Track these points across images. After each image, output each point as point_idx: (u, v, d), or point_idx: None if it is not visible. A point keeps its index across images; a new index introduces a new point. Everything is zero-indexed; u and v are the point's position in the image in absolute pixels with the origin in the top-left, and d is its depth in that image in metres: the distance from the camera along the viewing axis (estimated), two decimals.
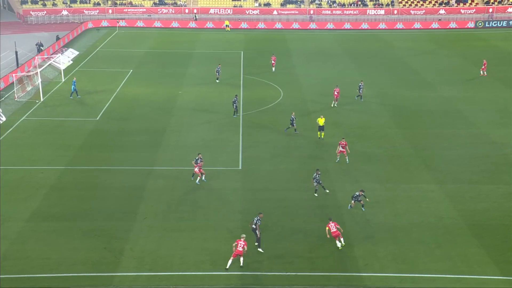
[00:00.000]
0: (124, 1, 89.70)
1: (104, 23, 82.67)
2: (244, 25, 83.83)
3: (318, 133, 39.69)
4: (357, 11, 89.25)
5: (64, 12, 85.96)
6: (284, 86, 52.94)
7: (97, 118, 44.01)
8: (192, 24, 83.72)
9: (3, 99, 48.07)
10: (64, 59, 60.53)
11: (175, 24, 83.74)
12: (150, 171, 34.52)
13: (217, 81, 54.05)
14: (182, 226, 28.38)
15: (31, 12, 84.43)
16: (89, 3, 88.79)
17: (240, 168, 35.28)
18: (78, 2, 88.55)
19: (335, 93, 47.03)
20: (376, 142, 39.57)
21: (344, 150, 35.52)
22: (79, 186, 32.65)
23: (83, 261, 25.28)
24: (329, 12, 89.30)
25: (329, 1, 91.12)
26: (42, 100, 47.82)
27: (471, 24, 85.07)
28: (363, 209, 29.83)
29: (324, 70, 59.72)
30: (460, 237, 27.68)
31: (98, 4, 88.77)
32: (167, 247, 26.50)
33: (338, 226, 26.56)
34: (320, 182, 31.49)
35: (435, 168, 35.44)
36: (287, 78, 56.00)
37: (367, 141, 39.74)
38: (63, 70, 56.40)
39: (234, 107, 44.17)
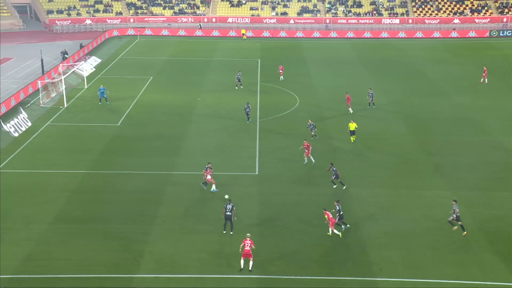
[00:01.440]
0: (145, 10, 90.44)
1: (131, 32, 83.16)
2: (265, 33, 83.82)
3: (351, 138, 39.92)
4: (372, 20, 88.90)
5: (88, 21, 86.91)
6: (300, 93, 52.86)
7: (118, 124, 44.33)
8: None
9: (29, 105, 48.66)
10: (87, 67, 61.13)
11: (198, 33, 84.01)
12: (169, 175, 34.63)
13: (240, 87, 54.12)
14: (200, 229, 28.38)
15: (56, 22, 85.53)
16: (112, 12, 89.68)
17: (256, 173, 35.23)
18: (101, 12, 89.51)
19: (347, 99, 47.00)
20: (390, 149, 39.27)
21: (307, 151, 35.73)
22: (100, 189, 32.87)
23: (104, 262, 25.39)
24: (345, 21, 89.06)
25: (345, 11, 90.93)
26: (65, 106, 48.32)
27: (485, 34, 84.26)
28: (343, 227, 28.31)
29: (339, 77, 59.51)
30: (473, 243, 27.30)
31: (121, 13, 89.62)
32: (185, 250, 26.52)
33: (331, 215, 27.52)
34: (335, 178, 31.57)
35: (448, 174, 35.04)
36: (303, 86, 55.91)
37: (381, 148, 39.47)
38: (86, 77, 56.95)
39: (247, 113, 44.27)
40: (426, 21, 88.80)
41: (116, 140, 40.84)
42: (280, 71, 57.98)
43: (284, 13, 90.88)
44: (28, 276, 24.45)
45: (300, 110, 48.08)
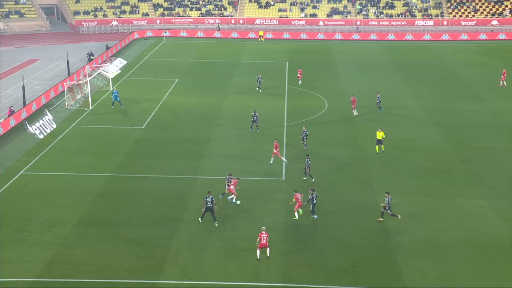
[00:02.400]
0: (172, 12, 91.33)
1: (166, 33, 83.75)
2: (286, 35, 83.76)
3: (377, 147, 38.48)
4: (405, 22, 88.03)
5: (114, 23, 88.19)
6: (329, 97, 52.59)
7: (143, 127, 44.75)
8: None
9: (54, 106, 49.52)
10: (113, 68, 61.94)
11: (217, 35, 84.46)
12: (194, 180, 34.76)
13: (259, 90, 54.18)
14: (225, 235, 28.38)
15: (83, 23, 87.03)
16: (138, 13, 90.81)
17: (283, 178, 35.11)
18: (127, 13, 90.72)
19: (353, 101, 46.86)
20: (423, 155, 38.72)
21: (276, 152, 36.14)
22: (124, 193, 33.18)
23: (127, 267, 25.58)
24: (376, 23, 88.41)
25: (376, 12, 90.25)
26: (91, 108, 49.01)
27: None
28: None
29: (370, 81, 59.03)
30: None
31: (147, 14, 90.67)
32: (210, 256, 26.54)
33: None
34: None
35: (485, 183, 34.35)
36: (332, 89, 55.63)
37: (412, 154, 38.96)
38: (112, 79, 57.71)
39: (253, 121, 42.93)
40: (462, 22, 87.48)
41: (141, 143, 41.22)
42: (299, 75, 57.45)
43: (314, 15, 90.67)
44: (51, 280, 24.76)
45: (329, 114, 47.79)
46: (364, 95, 53.12)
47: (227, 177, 31.81)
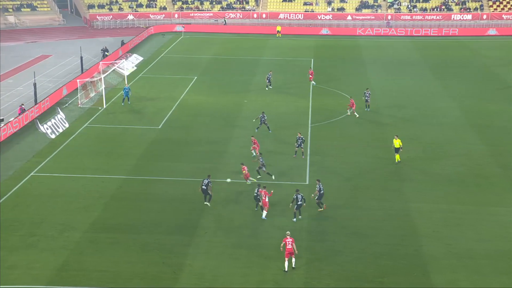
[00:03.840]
0: (191, 5, 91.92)
1: (179, 28, 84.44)
2: (311, 30, 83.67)
3: (396, 156, 37.30)
4: (440, 16, 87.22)
5: (130, 17, 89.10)
6: (356, 97, 52.30)
7: (159, 127, 45.12)
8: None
9: (67, 105, 50.20)
10: (128, 65, 62.58)
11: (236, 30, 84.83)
12: (212, 183, 34.86)
13: (268, 88, 54.38)
14: (244, 242, 28.47)
15: (97, 17, 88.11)
16: (155, 7, 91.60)
17: (307, 183, 35.09)
18: (144, 6, 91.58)
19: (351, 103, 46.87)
20: (458, 160, 38.33)
21: (255, 146, 37.53)
22: (138, 196, 33.50)
23: (141, 275, 25.81)
24: (409, 17, 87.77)
25: (409, 6, 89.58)
26: (105, 106, 49.57)
27: None
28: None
29: (400, 80, 58.66)
30: None
31: (165, 8, 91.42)
32: (228, 265, 26.65)
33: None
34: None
35: None
36: (360, 88, 55.30)
37: (447, 158, 38.58)
38: (127, 76, 58.30)
39: (261, 123, 42.85)
40: (504, 16, 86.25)
41: (157, 144, 41.56)
42: (310, 76, 56.93)
43: (341, 9, 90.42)
44: (62, 287, 25.11)
45: (356, 114, 47.54)
46: (395, 95, 52.78)
47: (256, 191, 30.95)
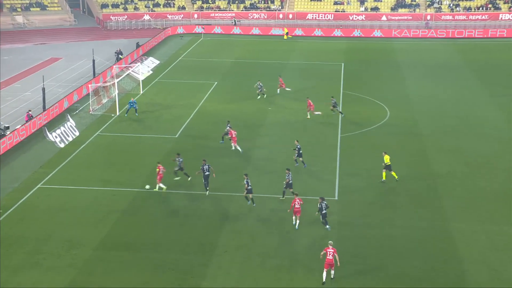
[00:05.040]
0: (211, 5, 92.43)
1: (198, 29, 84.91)
2: (340, 32, 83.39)
3: (383, 173, 36.43)
4: (486, 15, 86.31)
5: (146, 17, 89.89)
6: (391, 104, 51.94)
7: (176, 136, 45.21)
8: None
9: (77, 111, 50.64)
10: (144, 69, 63.04)
11: (255, 31, 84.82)
12: (232, 197, 34.81)
13: (259, 97, 53.57)
14: (267, 263, 28.24)
15: (111, 17, 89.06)
16: (173, 7, 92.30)
17: (336, 198, 34.79)
18: (161, 6, 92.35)
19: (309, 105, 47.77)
20: (506, 175, 37.71)
21: (234, 138, 40.60)
22: (153, 211, 33.50)
23: None
24: (451, 17, 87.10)
25: (451, 5, 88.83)
26: (118, 114, 49.87)
27: None
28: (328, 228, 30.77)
29: (441, 86, 58.12)
30: None
31: (183, 8, 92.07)
32: (250, 286, 26.40)
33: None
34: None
35: None
36: (395, 95, 54.98)
37: (493, 174, 37.99)
38: (142, 81, 58.67)
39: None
40: None
41: (173, 154, 41.55)
42: (280, 83, 55.60)
43: (375, 8, 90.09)
44: None
45: (391, 124, 47.16)
46: (435, 102, 52.25)
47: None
